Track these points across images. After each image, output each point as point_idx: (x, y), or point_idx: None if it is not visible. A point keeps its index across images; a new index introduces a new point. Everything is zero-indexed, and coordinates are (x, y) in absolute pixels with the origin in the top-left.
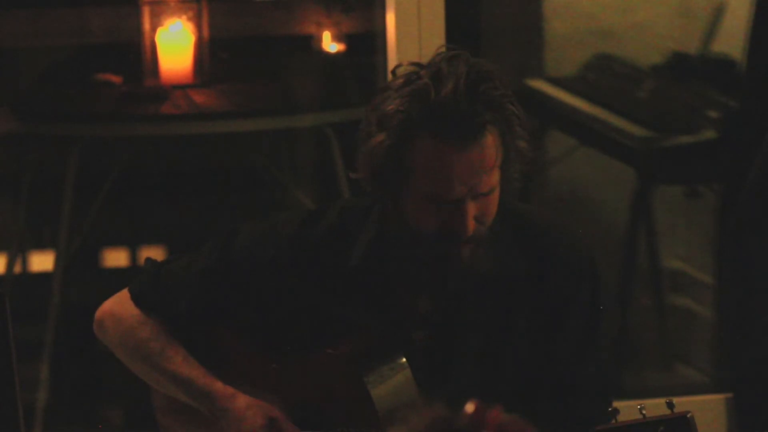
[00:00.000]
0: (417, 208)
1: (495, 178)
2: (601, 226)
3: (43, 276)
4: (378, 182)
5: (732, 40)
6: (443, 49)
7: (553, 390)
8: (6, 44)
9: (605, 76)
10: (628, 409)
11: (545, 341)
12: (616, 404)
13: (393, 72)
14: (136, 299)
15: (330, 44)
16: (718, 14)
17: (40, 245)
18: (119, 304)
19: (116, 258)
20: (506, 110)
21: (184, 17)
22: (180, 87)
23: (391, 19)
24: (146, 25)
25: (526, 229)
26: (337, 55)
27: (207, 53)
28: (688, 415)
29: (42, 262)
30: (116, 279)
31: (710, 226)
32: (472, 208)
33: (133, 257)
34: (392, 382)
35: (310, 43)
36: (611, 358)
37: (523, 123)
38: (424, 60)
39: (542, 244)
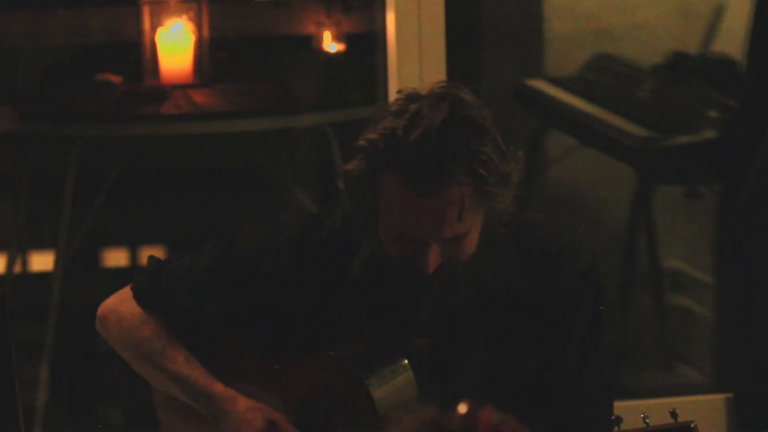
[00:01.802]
0: (386, 236)
1: (462, 227)
2: (601, 226)
3: (43, 276)
4: (352, 204)
5: (732, 40)
6: (442, 83)
7: (554, 397)
8: (6, 44)
9: (605, 76)
10: (628, 410)
11: (547, 348)
12: (616, 404)
13: (398, 92)
14: (138, 297)
15: (330, 44)
16: (718, 14)
17: (40, 245)
18: (121, 302)
19: (116, 258)
20: (474, 169)
21: (184, 17)
22: (180, 87)
23: (391, 19)
24: (146, 25)
25: (527, 236)
26: (337, 55)
27: (207, 53)
28: (692, 425)
29: (42, 262)
30: (116, 279)
31: (710, 226)
32: (435, 249)
33: (133, 257)
34: (394, 384)
35: (310, 43)
36: (612, 365)
37: (499, 182)
38: (426, 61)
39: (544, 252)
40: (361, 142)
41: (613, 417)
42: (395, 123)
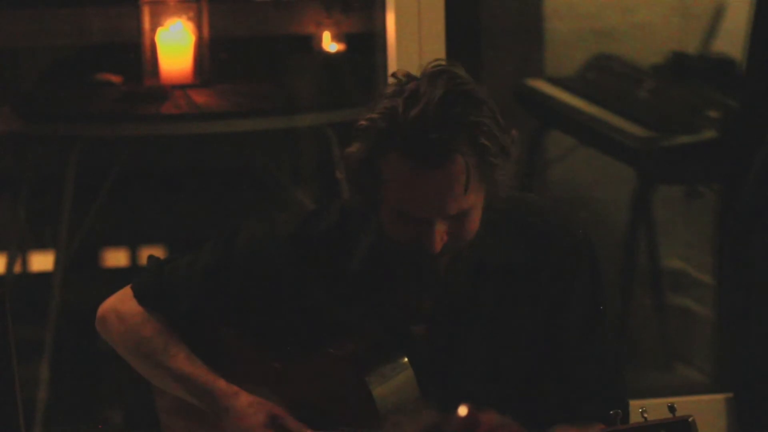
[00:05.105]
0: (389, 219)
1: (467, 202)
2: (601, 226)
3: (43, 276)
4: (353, 189)
5: (732, 40)
6: (439, 61)
7: (556, 382)
8: (6, 44)
9: (605, 76)
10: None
11: (547, 328)
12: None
13: (393, 75)
14: (139, 296)
15: (330, 44)
16: (718, 14)
17: (40, 245)
18: (122, 301)
19: (116, 258)
20: (477, 140)
21: (184, 17)
22: (180, 87)
23: (391, 19)
24: (146, 25)
25: (521, 215)
26: (337, 55)
27: (207, 53)
28: (690, 419)
29: (42, 262)
30: (116, 279)
31: (710, 226)
32: (441, 227)
33: (133, 257)
34: (394, 381)
35: (310, 43)
36: (618, 355)
37: (500, 153)
38: (425, 61)
39: (539, 229)
40: (362, 123)
41: (611, 412)
42: (394, 102)
